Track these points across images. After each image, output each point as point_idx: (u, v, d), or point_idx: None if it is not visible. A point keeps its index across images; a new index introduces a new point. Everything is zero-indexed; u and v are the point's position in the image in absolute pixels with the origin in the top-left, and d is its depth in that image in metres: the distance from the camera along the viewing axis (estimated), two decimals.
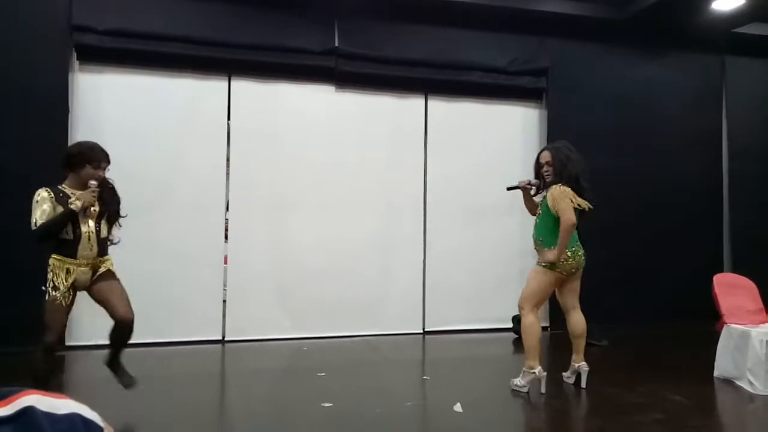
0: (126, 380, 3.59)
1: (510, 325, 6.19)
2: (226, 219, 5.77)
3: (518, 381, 4.01)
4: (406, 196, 6.28)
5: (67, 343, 5.22)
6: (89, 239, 3.33)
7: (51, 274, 3.28)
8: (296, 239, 5.88)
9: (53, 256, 3.31)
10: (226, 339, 5.67)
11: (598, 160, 6.52)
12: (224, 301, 5.69)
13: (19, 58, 5.14)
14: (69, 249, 3.30)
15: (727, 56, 7.12)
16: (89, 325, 5.33)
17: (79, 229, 3.31)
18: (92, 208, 3.34)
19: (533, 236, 4.11)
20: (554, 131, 6.47)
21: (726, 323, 4.35)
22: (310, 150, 5.95)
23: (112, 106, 5.48)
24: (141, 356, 5.17)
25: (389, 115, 6.23)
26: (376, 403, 3.76)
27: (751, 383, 4.03)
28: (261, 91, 5.89)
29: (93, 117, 5.43)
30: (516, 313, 6.19)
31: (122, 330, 3.42)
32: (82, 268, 3.34)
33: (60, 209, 3.24)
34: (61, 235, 3.28)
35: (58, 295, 3.25)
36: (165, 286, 5.48)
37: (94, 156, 3.36)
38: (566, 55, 6.56)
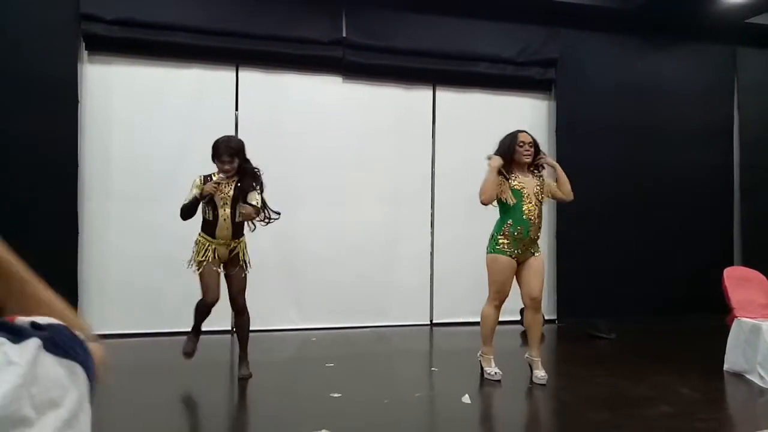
0: None
1: (518, 317, 6.17)
2: None
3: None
4: (414, 188, 6.26)
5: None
6: (225, 222, 3.87)
7: (195, 248, 3.95)
8: (304, 230, 5.87)
9: (199, 233, 3.96)
10: (234, 329, 5.67)
11: (607, 152, 6.51)
12: None
13: (27, 48, 5.14)
14: (210, 229, 3.91)
15: (739, 47, 7.03)
16: (98, 314, 5.37)
17: (217, 212, 3.86)
18: (221, 195, 3.84)
19: (536, 223, 4.11)
20: (563, 122, 6.44)
21: (736, 317, 4.32)
22: (318, 141, 5.93)
23: (121, 96, 5.48)
24: (148, 345, 5.21)
25: (397, 105, 6.20)
26: (384, 394, 3.76)
27: (761, 377, 4.01)
28: (269, 82, 5.87)
29: (102, 107, 5.43)
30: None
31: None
32: (220, 246, 3.93)
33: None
34: (205, 216, 3.89)
35: (200, 267, 3.87)
36: (173, 277, 5.47)
37: (216, 151, 3.86)
38: (576, 45, 6.49)
